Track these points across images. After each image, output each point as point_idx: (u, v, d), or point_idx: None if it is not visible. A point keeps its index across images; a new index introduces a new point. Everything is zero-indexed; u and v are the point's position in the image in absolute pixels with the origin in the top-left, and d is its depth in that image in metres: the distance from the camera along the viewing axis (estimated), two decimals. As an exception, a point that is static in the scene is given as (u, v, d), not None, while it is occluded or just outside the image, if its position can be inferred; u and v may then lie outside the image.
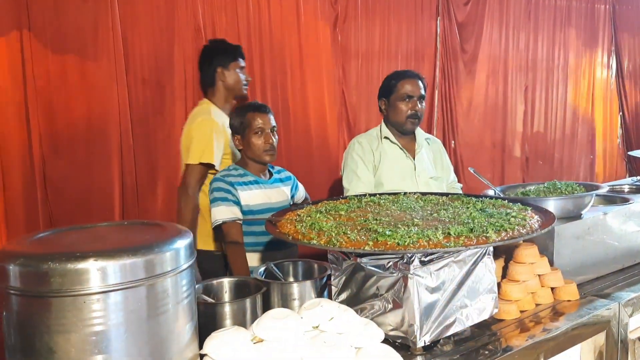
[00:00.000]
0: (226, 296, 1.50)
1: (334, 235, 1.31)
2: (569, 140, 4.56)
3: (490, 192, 1.95)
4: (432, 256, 1.32)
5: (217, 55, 2.70)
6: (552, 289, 1.65)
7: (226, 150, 2.56)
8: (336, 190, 2.79)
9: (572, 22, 4.54)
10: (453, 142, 3.99)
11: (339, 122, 3.26)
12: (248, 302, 1.37)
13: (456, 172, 3.76)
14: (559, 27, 4.47)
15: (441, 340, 1.38)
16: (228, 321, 1.34)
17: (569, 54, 4.51)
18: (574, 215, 1.79)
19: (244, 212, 2.17)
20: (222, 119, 2.55)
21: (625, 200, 2.03)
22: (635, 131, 4.96)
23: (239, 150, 2.31)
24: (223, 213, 2.14)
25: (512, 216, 1.46)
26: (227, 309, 1.36)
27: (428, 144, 2.61)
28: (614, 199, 2.09)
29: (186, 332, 0.97)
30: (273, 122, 2.26)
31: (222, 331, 1.09)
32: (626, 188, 2.35)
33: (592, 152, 4.75)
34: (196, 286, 1.43)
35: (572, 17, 4.54)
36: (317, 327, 1.15)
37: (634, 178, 2.58)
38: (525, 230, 1.36)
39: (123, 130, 2.70)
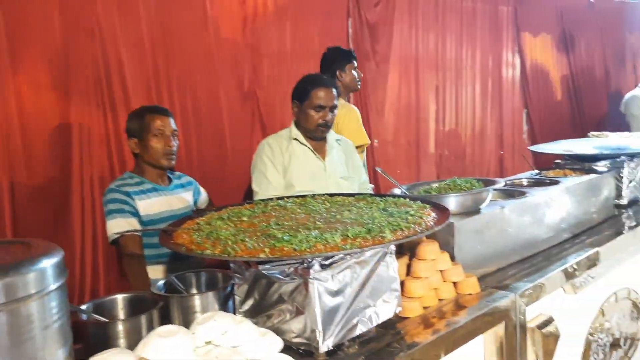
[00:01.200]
0: (121, 314, 1.42)
1: (230, 243, 1.27)
2: (479, 137, 4.76)
3: (397, 191, 1.97)
4: (333, 259, 1.32)
5: (334, 60, 3.24)
6: (454, 283, 1.69)
7: None
8: (252, 194, 2.75)
9: (477, 23, 4.74)
10: (376, 140, 4.05)
11: (252, 124, 3.22)
12: (143, 319, 1.30)
13: (373, 171, 3.83)
14: (465, 28, 4.65)
15: (345, 343, 1.37)
16: (122, 341, 1.27)
17: (476, 53, 4.70)
18: (473, 211, 1.84)
19: (144, 223, 2.07)
20: None
21: (522, 194, 2.12)
22: (540, 126, 5.25)
23: (135, 155, 2.20)
24: (119, 226, 2.03)
25: (410, 214, 1.48)
26: (120, 327, 1.28)
27: (339, 144, 2.62)
28: (513, 192, 2.18)
29: (57, 359, 0.89)
30: (174, 126, 2.18)
31: (103, 354, 1.02)
32: (525, 182, 2.47)
33: (501, 148, 4.98)
34: (86, 305, 1.35)
35: (478, 19, 4.74)
36: (210, 342, 1.10)
37: (533, 172, 2.71)
38: (420, 228, 1.38)
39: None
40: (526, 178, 2.52)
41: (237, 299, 1.43)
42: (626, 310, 2.42)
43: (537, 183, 2.40)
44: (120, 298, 1.42)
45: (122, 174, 2.26)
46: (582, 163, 2.79)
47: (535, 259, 2.03)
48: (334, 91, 2.48)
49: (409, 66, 4.20)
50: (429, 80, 4.37)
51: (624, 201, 2.73)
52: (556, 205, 2.20)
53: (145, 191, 2.12)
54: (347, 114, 3.14)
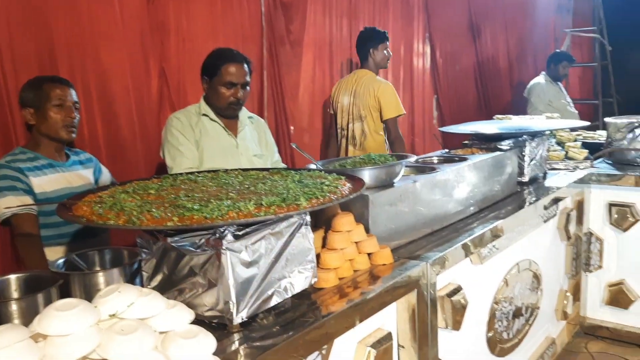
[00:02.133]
0: (15, 294, 1.30)
1: (135, 214, 1.20)
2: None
3: (313, 167, 1.96)
4: (247, 229, 1.28)
5: (369, 38, 3.77)
6: (369, 254, 1.70)
7: None
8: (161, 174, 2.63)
9: (389, 10, 4.82)
10: (292, 128, 4.01)
11: (161, 102, 3.08)
12: (40, 297, 1.20)
13: (289, 154, 3.80)
14: (378, 15, 4.70)
15: (260, 315, 1.34)
16: (17, 322, 1.16)
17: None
18: (387, 184, 1.87)
19: (39, 201, 1.92)
20: None
21: (433, 170, 2.18)
22: (449, 112, 5.46)
23: (29, 128, 2.03)
24: (11, 204, 1.87)
25: (326, 185, 1.47)
26: (14, 307, 1.18)
27: (251, 122, 2.56)
28: (424, 168, 2.24)
29: None
30: (75, 98, 2.04)
31: (-11, 330, 0.92)
32: (435, 160, 2.54)
33: (413, 133, 5.13)
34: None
35: (390, 5, 4.81)
36: (114, 315, 1.03)
37: (444, 151, 2.81)
38: (335, 196, 1.37)
39: None
40: (437, 156, 2.60)
41: (145, 274, 1.36)
42: (527, 281, 2.58)
43: (447, 160, 2.48)
44: (14, 278, 1.31)
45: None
46: (488, 143, 2.92)
47: (445, 232, 2.10)
48: (246, 67, 2.41)
49: (323, 50, 4.19)
50: (343, 65, 4.39)
51: (526, 178, 2.89)
52: (464, 180, 2.28)
53: (41, 167, 1.96)
54: (386, 88, 3.67)
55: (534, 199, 2.65)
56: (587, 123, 3.26)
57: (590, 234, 3.20)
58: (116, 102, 2.87)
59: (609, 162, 3.41)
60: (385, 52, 3.80)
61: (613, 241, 3.14)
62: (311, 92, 4.17)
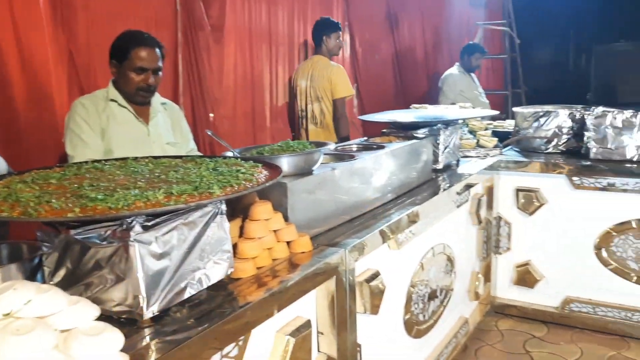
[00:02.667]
0: None
1: (32, 205, 1.11)
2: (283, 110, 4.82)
3: (229, 154, 1.91)
4: (157, 220, 1.22)
5: (324, 27, 4.19)
6: (288, 243, 1.69)
7: None
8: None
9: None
10: (212, 115, 3.90)
11: (69, 87, 2.89)
12: None
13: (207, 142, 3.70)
14: (297, 2, 4.66)
15: (173, 308, 1.29)
16: None
17: (307, 29, 4.75)
18: (305, 172, 1.85)
19: None
20: None
21: (351, 157, 2.20)
22: (369, 100, 5.54)
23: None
24: None
25: (242, 173, 1.43)
26: None
27: (165, 109, 2.46)
28: (343, 156, 2.25)
29: None
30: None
31: None
32: (354, 147, 2.57)
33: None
34: None
35: (309, -7, 4.79)
36: (9, 314, 0.95)
37: (363, 138, 2.84)
38: (251, 184, 1.34)
39: None
40: (355, 144, 2.62)
41: (47, 270, 1.27)
42: (442, 264, 2.67)
43: (365, 148, 2.51)
44: None
45: None
46: (405, 131, 2.99)
47: (363, 218, 2.13)
48: (158, 51, 2.30)
49: (242, 37, 4.11)
50: (264, 52, 4.33)
51: (440, 165, 2.99)
52: (381, 168, 2.32)
53: None
54: (338, 70, 4.17)
55: (447, 185, 2.74)
56: (497, 112, 3.42)
57: (500, 218, 3.37)
58: (12, 84, 2.65)
59: (517, 149, 3.59)
60: (337, 40, 4.24)
61: (520, 224, 3.32)
62: (233, 78, 4.09)
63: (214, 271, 1.38)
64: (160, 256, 1.22)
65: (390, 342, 2.22)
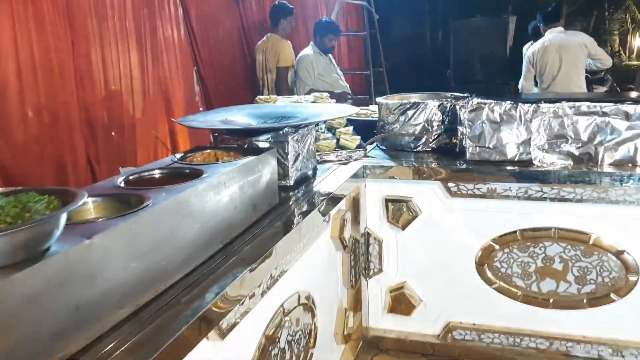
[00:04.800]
0: None
1: None
2: (139, 103, 3.88)
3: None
4: None
5: (279, 10, 5.18)
6: None
7: None
8: None
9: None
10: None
11: None
12: None
13: None
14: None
15: None
16: None
17: (126, 3, 3.76)
18: (33, 255, 1.02)
19: None
20: None
21: (140, 202, 1.39)
22: (215, 86, 4.69)
23: None
24: None
25: None
26: None
27: None
28: (128, 198, 1.44)
29: None
30: None
31: None
32: (157, 174, 1.74)
33: (172, 114, 4.23)
34: None
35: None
36: None
37: (175, 156, 2.00)
38: None
39: None
40: (159, 169, 1.80)
41: None
42: (299, 319, 1.99)
43: (169, 177, 1.72)
44: None
45: None
46: (244, 138, 2.26)
47: (157, 303, 1.34)
48: None
49: (26, 6, 3.03)
50: (63, 31, 3.28)
51: (291, 181, 2.29)
52: (191, 213, 1.53)
53: None
54: (284, 44, 5.08)
55: (304, 208, 2.07)
56: (358, 109, 2.76)
57: (368, 234, 2.77)
58: None
59: (383, 147, 3.02)
60: (292, 22, 5.23)
61: (392, 241, 2.76)
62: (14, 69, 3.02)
63: None
64: None
65: None
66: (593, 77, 5.92)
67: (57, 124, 3.36)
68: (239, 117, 2.56)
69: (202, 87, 4.54)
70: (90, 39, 3.53)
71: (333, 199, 2.32)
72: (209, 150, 2.05)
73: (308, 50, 5.13)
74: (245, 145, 2.27)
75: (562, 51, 5.27)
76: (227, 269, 1.56)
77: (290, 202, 2.17)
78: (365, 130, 3.16)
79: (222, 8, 4.87)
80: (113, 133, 3.80)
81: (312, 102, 3.12)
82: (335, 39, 5.23)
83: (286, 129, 2.27)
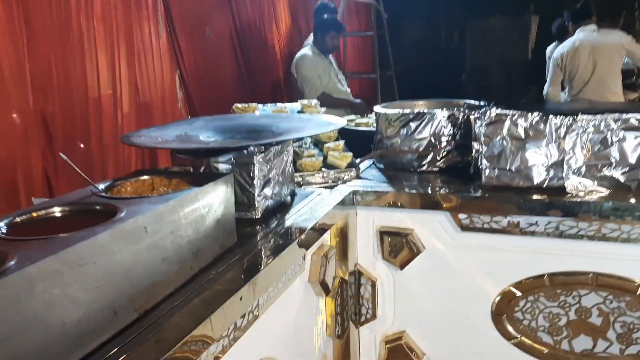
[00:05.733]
0: None
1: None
2: (110, 110, 3.42)
3: None
4: None
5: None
6: None
7: None
8: None
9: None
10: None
11: None
12: None
13: None
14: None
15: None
16: None
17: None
18: None
19: None
20: None
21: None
22: (200, 92, 4.23)
23: None
24: None
25: None
26: None
27: None
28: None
29: None
30: None
31: None
32: (58, 212, 1.29)
33: (150, 121, 3.78)
34: None
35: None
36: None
37: (96, 186, 1.54)
38: None
39: None
40: (68, 204, 1.34)
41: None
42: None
43: (75, 217, 1.26)
44: None
45: None
46: (201, 159, 1.81)
47: None
48: None
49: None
50: (11, 31, 2.84)
51: (257, 213, 1.82)
52: (90, 271, 1.07)
53: None
54: None
55: (272, 248, 1.61)
56: (344, 123, 2.26)
57: (359, 273, 2.28)
58: None
59: (380, 166, 2.53)
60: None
61: (388, 281, 2.27)
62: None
63: None
64: None
65: None
66: (622, 82, 5.37)
67: (10, 133, 2.92)
68: (202, 131, 2.10)
69: (185, 92, 4.08)
70: (50, 38, 3.09)
71: (313, 233, 1.85)
72: (145, 177, 1.59)
73: (307, 51, 4.66)
74: (202, 169, 1.81)
75: (596, 53, 4.70)
76: (140, 354, 1.09)
77: (256, 240, 1.70)
78: (366, 142, 2.69)
79: (210, 5, 4.41)
80: (82, 145, 3.36)
81: (298, 111, 2.66)
82: (337, 37, 4.74)
83: (251, 148, 1.80)
